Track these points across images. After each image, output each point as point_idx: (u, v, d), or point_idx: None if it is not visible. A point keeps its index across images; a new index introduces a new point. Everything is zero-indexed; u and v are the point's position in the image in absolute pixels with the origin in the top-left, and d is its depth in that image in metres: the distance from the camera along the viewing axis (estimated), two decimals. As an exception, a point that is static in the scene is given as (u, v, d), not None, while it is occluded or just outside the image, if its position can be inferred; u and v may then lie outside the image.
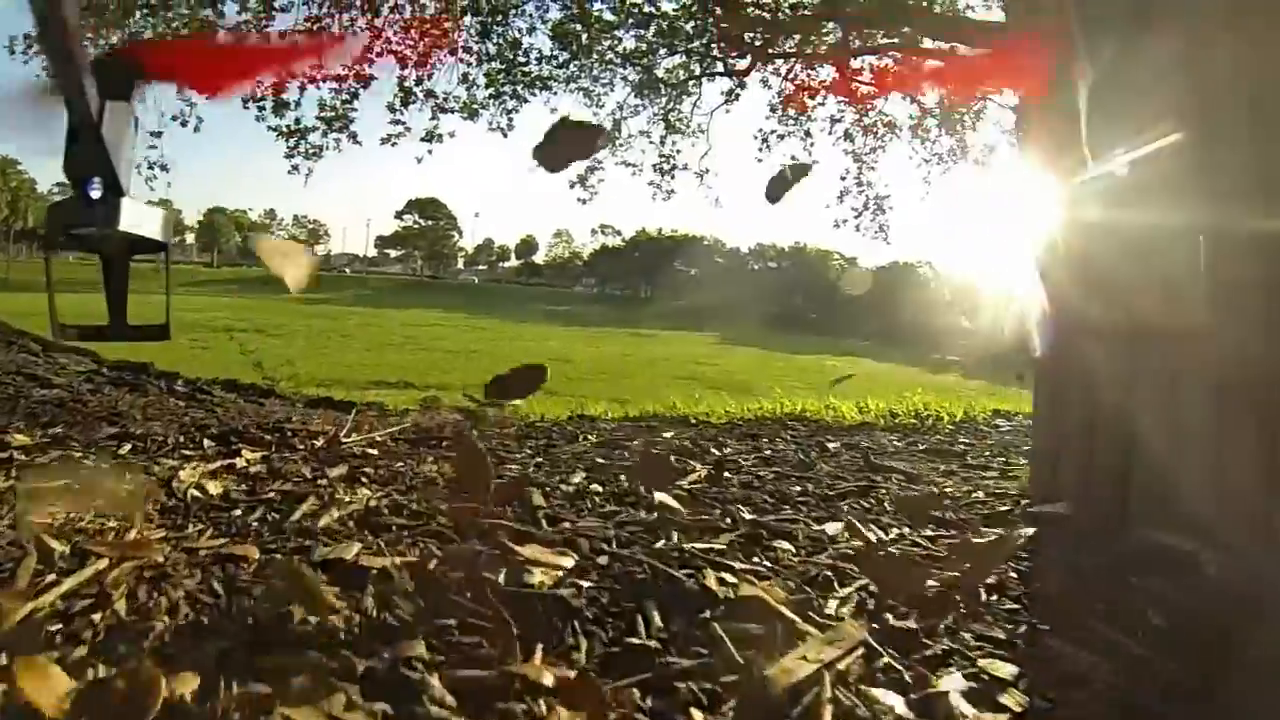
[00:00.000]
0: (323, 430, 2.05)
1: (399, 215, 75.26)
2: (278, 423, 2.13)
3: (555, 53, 10.19)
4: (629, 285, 64.87)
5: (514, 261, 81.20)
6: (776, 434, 2.89)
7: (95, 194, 0.93)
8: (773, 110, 11.09)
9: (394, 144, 9.02)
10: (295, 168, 8.50)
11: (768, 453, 2.41)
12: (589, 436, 2.54)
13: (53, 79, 0.95)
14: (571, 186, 11.50)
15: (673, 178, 11.35)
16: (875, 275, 58.64)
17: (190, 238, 70.89)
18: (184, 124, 8.07)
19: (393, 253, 79.07)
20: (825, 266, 60.26)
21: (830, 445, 2.63)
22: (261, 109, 8.26)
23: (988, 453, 2.64)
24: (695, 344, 26.16)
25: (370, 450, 1.94)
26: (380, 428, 2.18)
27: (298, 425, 2.13)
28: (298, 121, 8.65)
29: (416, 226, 75.08)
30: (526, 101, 10.13)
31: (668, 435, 2.72)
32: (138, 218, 0.97)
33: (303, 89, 8.29)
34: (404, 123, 9.01)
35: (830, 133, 11.23)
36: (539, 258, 79.76)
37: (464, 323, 26.56)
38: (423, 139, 9.19)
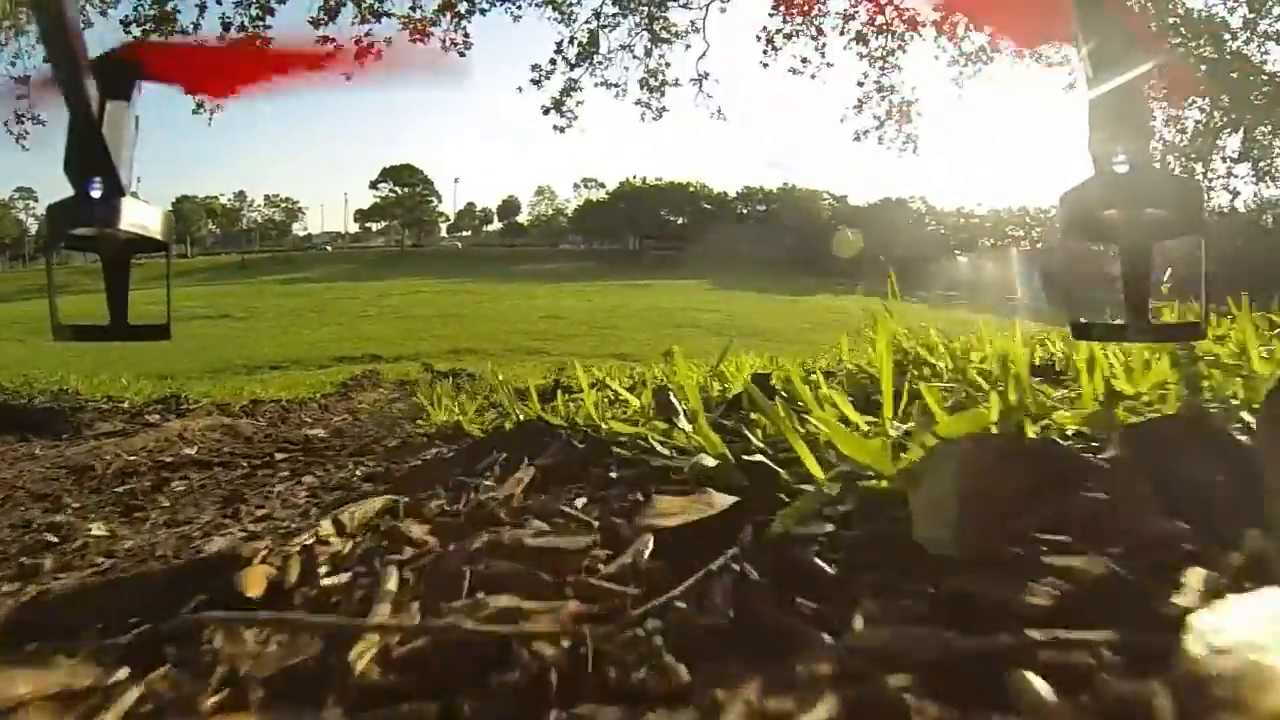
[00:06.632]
0: None
1: (374, 185, 72.47)
2: None
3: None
4: (616, 239, 63.01)
5: (497, 224, 78.76)
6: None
7: (95, 193, 0.87)
8: (776, 7, 9.57)
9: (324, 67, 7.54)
10: (200, 105, 7.07)
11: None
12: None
13: (54, 76, 0.85)
14: (546, 113, 10.05)
15: (662, 94, 9.91)
16: (867, 212, 56.93)
17: (160, 228, 68.38)
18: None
19: (374, 226, 76.41)
20: (815, 207, 58.65)
21: None
22: (145, 33, 6.69)
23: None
24: (689, 292, 24.89)
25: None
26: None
27: None
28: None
29: (393, 195, 72.42)
30: (483, 12, 8.60)
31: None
32: (138, 217, 0.91)
33: (202, 9, 6.76)
34: (333, 38, 7.50)
35: (843, 32, 9.73)
36: (522, 218, 77.31)
37: (445, 287, 25.17)
38: (357, 55, 7.71)
